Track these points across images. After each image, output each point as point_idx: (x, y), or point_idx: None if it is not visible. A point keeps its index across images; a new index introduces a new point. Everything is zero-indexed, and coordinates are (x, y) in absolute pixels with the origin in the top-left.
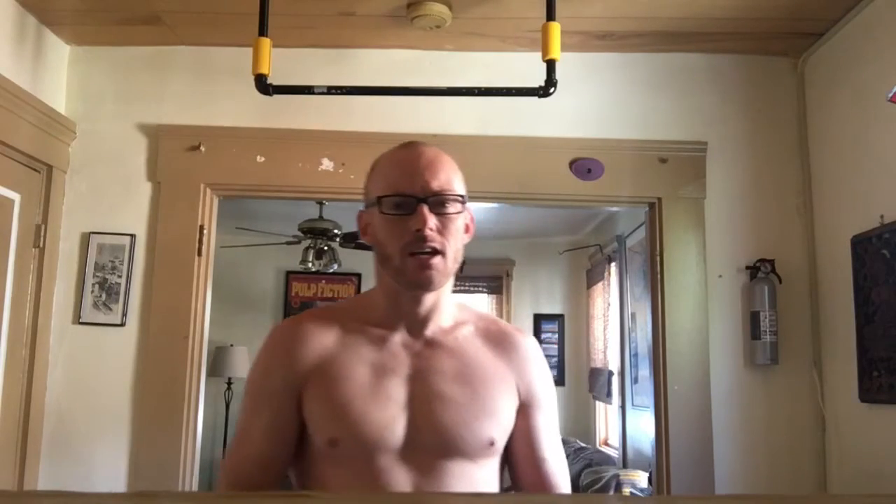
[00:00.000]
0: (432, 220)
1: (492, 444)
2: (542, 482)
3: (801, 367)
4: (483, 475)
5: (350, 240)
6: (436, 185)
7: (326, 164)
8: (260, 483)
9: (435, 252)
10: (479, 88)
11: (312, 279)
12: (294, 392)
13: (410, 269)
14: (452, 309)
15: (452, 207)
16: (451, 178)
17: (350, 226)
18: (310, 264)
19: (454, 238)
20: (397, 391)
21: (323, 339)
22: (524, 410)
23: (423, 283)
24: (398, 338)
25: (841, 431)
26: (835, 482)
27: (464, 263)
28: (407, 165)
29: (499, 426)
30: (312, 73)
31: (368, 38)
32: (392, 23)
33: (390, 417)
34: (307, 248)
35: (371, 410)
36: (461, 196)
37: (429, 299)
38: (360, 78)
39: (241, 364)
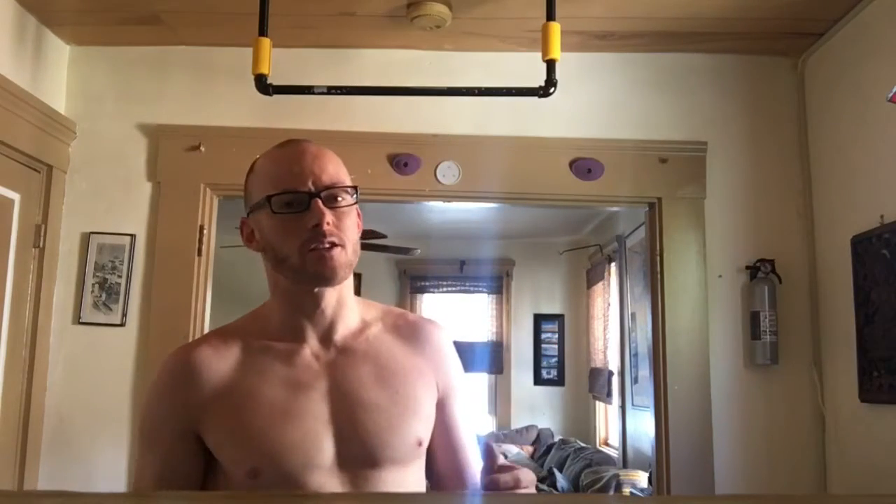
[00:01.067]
0: (328, 215)
1: (420, 443)
2: (460, 470)
3: (801, 367)
4: (414, 478)
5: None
6: (326, 178)
7: None
8: None
9: (334, 245)
10: (479, 88)
11: None
12: (188, 430)
13: (311, 263)
14: (357, 308)
15: (345, 200)
16: (338, 170)
17: None
18: None
19: (351, 231)
20: (317, 407)
21: (220, 365)
22: (443, 402)
23: (326, 275)
24: (307, 350)
25: (841, 431)
26: (835, 482)
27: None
28: (292, 162)
29: (423, 424)
30: (312, 73)
31: (368, 38)
32: (392, 23)
33: (314, 436)
34: None
35: (291, 433)
36: (353, 187)
37: (331, 298)
38: (360, 78)
39: None
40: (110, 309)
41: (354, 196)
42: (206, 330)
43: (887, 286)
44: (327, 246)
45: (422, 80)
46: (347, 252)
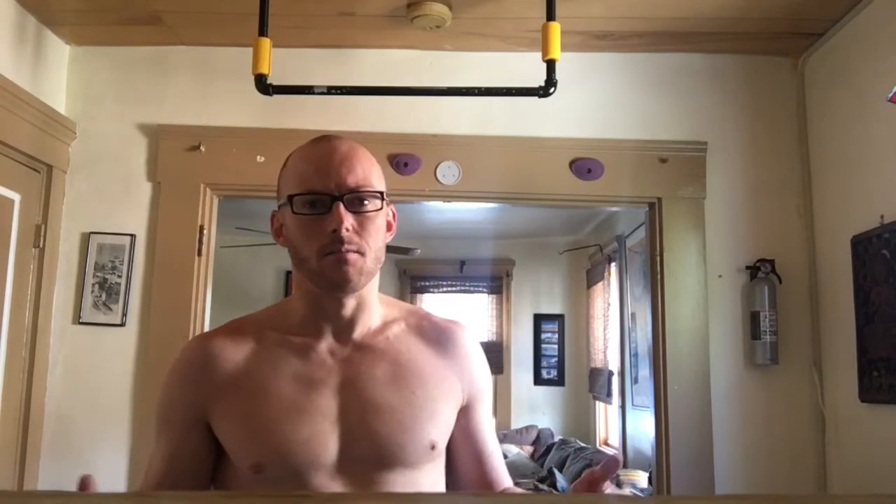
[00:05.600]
0: (349, 220)
1: (433, 447)
2: (487, 477)
3: (801, 367)
4: (428, 481)
5: None
6: (352, 181)
7: None
8: None
9: (352, 252)
10: (479, 88)
11: None
12: (198, 419)
13: (328, 268)
14: (380, 308)
15: (371, 205)
16: (368, 173)
17: None
18: None
19: (373, 237)
20: (327, 404)
21: (234, 355)
22: (467, 408)
23: (343, 283)
24: (324, 345)
25: (841, 431)
26: (835, 482)
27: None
28: (320, 161)
29: (439, 428)
30: (312, 73)
31: (368, 38)
32: (392, 23)
33: (320, 434)
34: None
35: (298, 429)
36: (380, 192)
37: (352, 301)
38: (360, 78)
39: None
40: (110, 309)
41: (382, 201)
42: (206, 329)
43: (887, 286)
44: (345, 252)
45: (422, 80)
46: (367, 260)
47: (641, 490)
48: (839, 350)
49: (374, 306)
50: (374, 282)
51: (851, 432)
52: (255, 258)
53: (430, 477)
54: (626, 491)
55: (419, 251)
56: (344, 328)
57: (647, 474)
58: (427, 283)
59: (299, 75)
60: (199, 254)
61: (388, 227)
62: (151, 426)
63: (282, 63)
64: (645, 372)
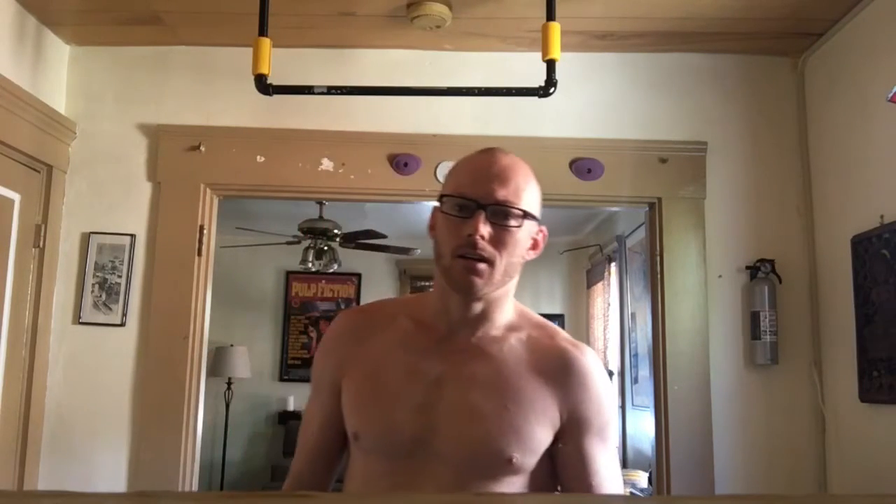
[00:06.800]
0: (486, 229)
1: (510, 461)
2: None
3: (801, 367)
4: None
5: (350, 240)
6: (501, 194)
7: (326, 164)
8: (312, 472)
9: (483, 259)
10: (479, 88)
11: (313, 279)
12: (337, 385)
13: (456, 270)
14: (510, 315)
15: (513, 221)
16: (520, 189)
17: (349, 226)
18: (310, 264)
19: (508, 251)
20: (422, 395)
21: (368, 333)
22: (567, 433)
23: (466, 288)
24: (443, 340)
25: (841, 431)
26: (835, 482)
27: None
28: (479, 170)
29: (522, 445)
30: (312, 73)
31: (368, 38)
32: (392, 23)
33: (405, 422)
34: (307, 248)
35: (388, 411)
36: (524, 211)
37: (479, 304)
38: (360, 78)
39: (241, 364)
40: (110, 309)
41: (525, 219)
42: (207, 330)
43: (887, 286)
44: (476, 258)
45: (422, 80)
46: (496, 271)
47: (641, 490)
48: (839, 350)
49: (500, 314)
50: (507, 290)
51: (851, 432)
52: (254, 258)
53: (507, 490)
54: (627, 491)
55: (419, 251)
56: (467, 328)
57: (647, 474)
58: (427, 284)
59: (299, 75)
60: (199, 254)
61: (534, 245)
62: (152, 426)
63: (282, 63)
64: (645, 372)
